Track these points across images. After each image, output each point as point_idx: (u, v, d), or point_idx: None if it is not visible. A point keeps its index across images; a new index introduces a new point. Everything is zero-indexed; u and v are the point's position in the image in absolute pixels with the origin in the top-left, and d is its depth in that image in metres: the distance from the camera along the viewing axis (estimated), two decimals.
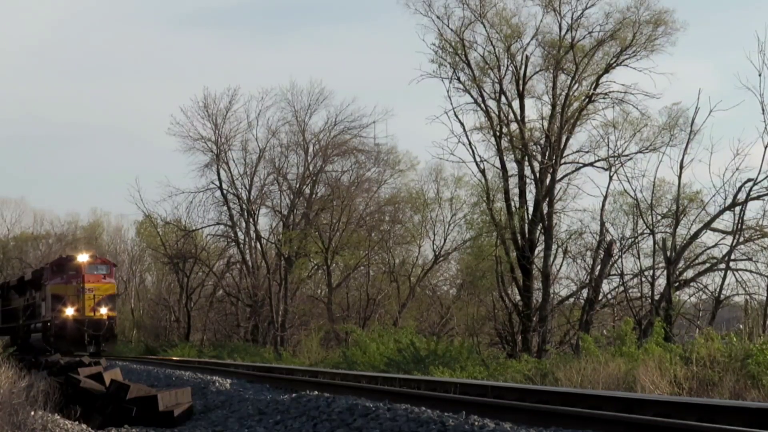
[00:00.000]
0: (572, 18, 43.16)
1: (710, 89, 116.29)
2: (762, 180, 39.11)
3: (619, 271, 43.45)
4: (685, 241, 41.03)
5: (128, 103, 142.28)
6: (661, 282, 41.17)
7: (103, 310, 52.01)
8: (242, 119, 62.75)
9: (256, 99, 66.67)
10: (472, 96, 43.96)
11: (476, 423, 10.99)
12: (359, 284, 58.51)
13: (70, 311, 51.67)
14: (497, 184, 44.45)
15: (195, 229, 65.62)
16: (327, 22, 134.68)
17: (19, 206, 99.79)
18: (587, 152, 43.93)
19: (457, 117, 43.94)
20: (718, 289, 40.50)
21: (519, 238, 43.37)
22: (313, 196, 60.79)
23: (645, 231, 42.66)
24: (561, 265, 45.18)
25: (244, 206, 61.80)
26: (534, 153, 43.64)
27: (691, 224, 41.54)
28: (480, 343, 42.08)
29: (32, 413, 14.61)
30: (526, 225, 43.68)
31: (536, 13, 45.55)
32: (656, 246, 41.53)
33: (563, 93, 43.14)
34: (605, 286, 43.70)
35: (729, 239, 40.28)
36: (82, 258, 52.94)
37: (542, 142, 43.51)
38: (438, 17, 43.98)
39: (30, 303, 58.37)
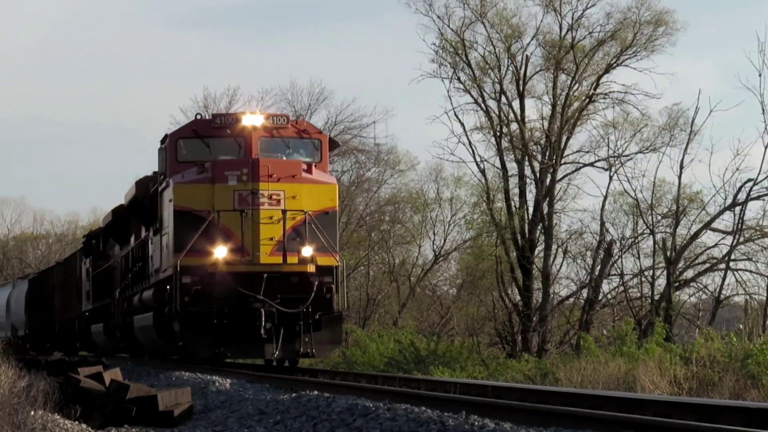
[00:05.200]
0: (573, 18, 43.18)
1: (710, 89, 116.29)
2: (762, 180, 39.21)
3: (619, 271, 43.48)
4: (685, 241, 41.05)
5: (128, 102, 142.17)
6: (661, 282, 41.20)
7: (307, 251, 23.56)
8: None
9: (256, 99, 66.37)
10: (472, 96, 43.97)
11: (476, 423, 10.99)
12: (359, 284, 58.48)
13: (220, 252, 23.33)
14: (497, 184, 44.44)
15: None
16: (327, 21, 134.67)
17: (19, 206, 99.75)
18: (587, 152, 43.96)
19: (457, 117, 43.93)
20: (718, 289, 40.58)
21: (519, 238, 43.37)
22: None
23: (645, 231, 42.68)
24: (561, 265, 45.20)
25: None
26: (534, 153, 43.64)
27: (691, 224, 41.59)
28: (480, 343, 42.08)
29: (32, 413, 14.61)
30: (526, 225, 43.68)
31: (536, 13, 45.48)
32: (656, 246, 41.54)
33: (563, 93, 43.15)
34: (605, 286, 43.74)
35: (729, 239, 40.35)
36: (252, 120, 24.92)
37: (542, 142, 43.51)
38: (438, 17, 43.96)
39: (137, 249, 30.43)
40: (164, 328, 25.41)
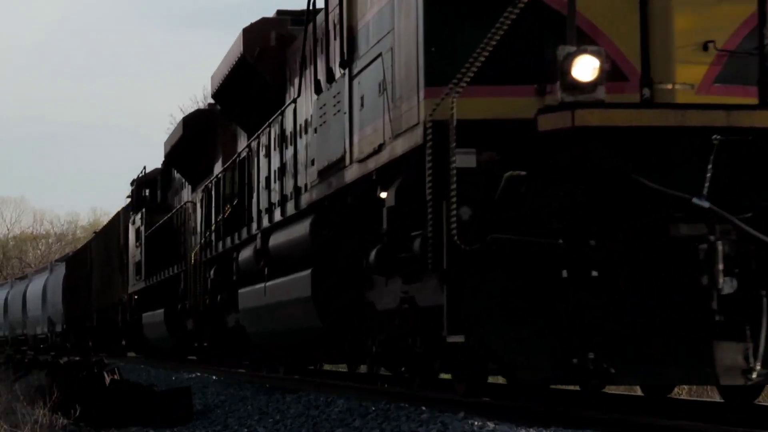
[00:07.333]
0: None
1: None
2: None
3: None
4: None
5: (129, 102, 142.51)
6: None
7: None
8: None
9: None
10: None
11: (476, 423, 10.99)
12: None
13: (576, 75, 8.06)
14: None
15: None
16: None
17: (19, 206, 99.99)
18: None
19: None
20: None
21: None
22: None
23: None
24: None
25: None
26: None
27: None
28: None
29: (32, 413, 14.63)
30: None
31: None
32: None
33: None
34: None
35: None
36: None
37: None
38: None
39: (233, 171, 18.25)
40: (337, 308, 13.02)
